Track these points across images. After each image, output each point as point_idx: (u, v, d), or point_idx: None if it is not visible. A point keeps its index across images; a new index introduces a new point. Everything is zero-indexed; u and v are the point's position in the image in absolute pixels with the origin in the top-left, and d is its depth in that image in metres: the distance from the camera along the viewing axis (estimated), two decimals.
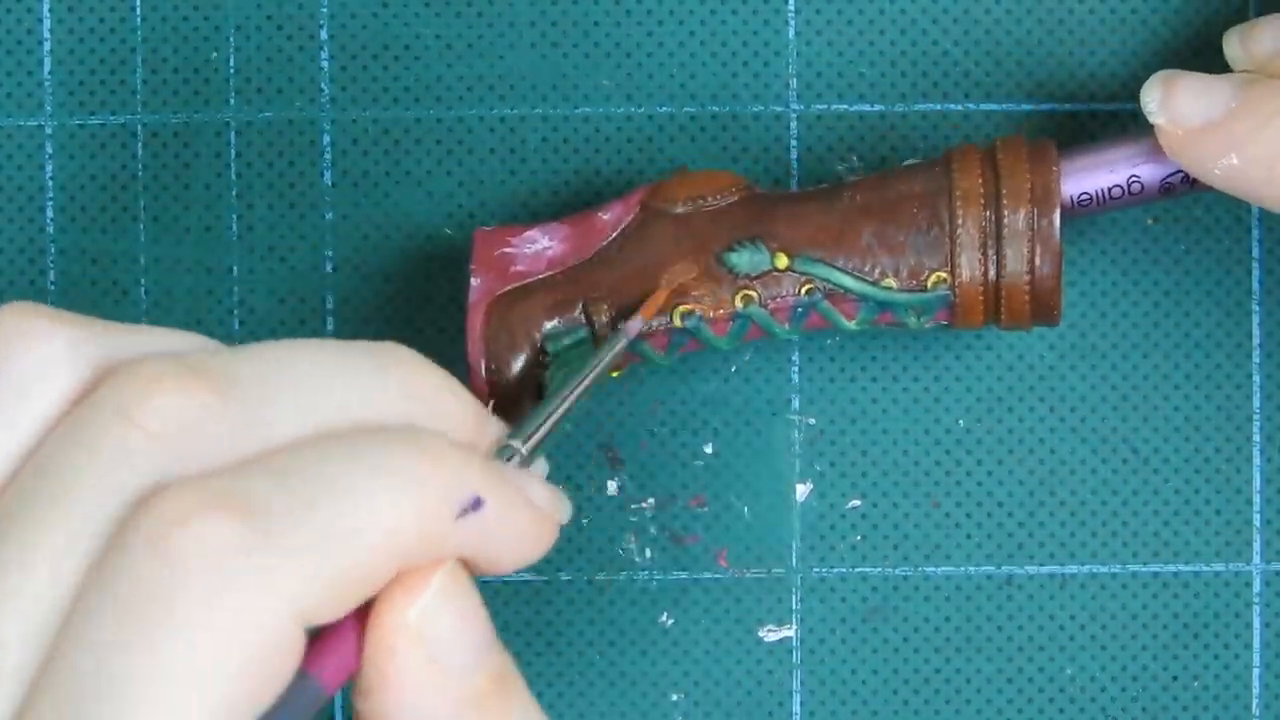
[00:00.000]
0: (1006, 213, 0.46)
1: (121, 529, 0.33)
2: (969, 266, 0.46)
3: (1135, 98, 0.50)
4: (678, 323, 0.47)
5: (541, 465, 0.41)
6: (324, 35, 0.51)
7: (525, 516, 0.37)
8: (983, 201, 0.46)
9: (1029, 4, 0.51)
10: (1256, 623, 0.51)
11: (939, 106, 0.51)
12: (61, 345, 0.36)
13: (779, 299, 0.47)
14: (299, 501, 0.34)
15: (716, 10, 0.51)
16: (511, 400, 0.47)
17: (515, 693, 0.36)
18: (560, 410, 0.42)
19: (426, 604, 0.35)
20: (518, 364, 0.46)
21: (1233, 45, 0.47)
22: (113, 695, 0.32)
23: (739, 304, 0.47)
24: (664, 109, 0.51)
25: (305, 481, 0.34)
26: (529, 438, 0.40)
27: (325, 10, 0.51)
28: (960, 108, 0.51)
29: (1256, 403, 0.51)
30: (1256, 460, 0.51)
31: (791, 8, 0.51)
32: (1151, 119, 0.45)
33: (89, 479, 0.34)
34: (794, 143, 0.51)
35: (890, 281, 0.46)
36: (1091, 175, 0.47)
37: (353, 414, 0.36)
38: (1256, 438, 0.51)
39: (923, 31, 0.51)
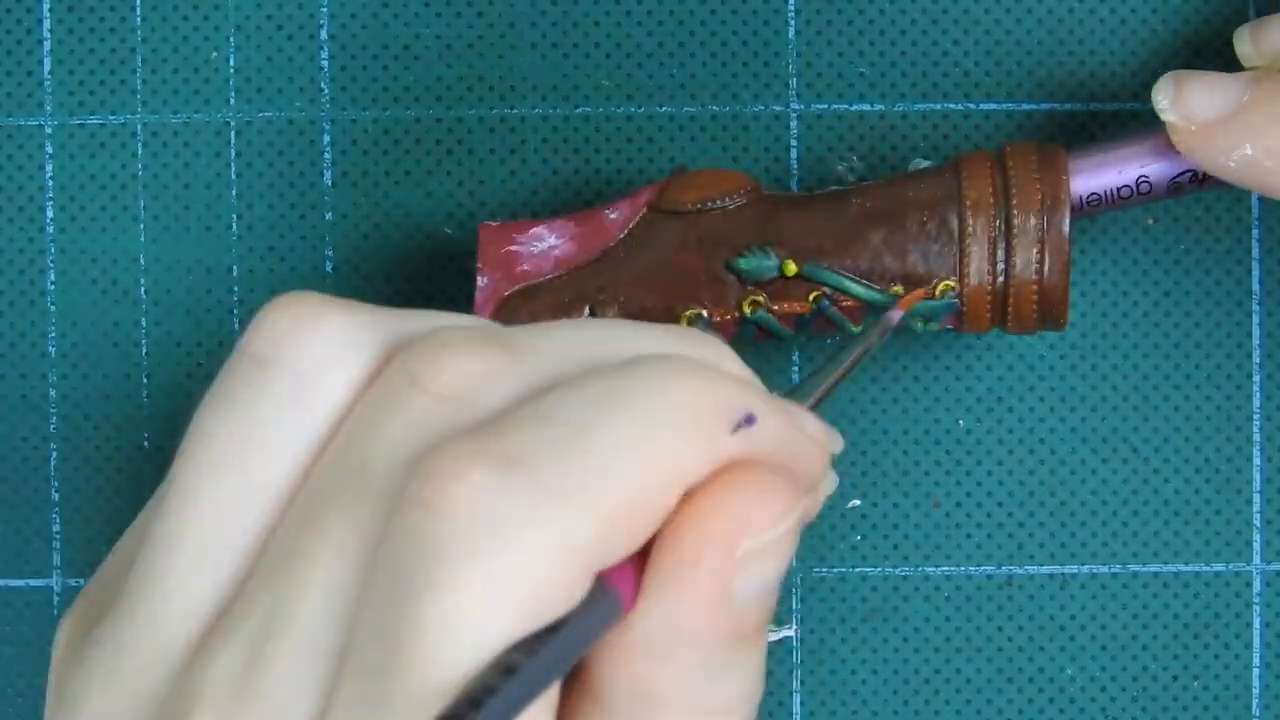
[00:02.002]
0: (1016, 219, 0.46)
1: (399, 492, 0.33)
2: (977, 274, 0.46)
3: (1136, 97, 0.50)
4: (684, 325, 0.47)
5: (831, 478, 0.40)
6: (324, 35, 0.51)
7: (799, 438, 0.36)
8: (992, 208, 0.46)
9: (1029, 4, 0.51)
10: (1256, 623, 0.51)
11: (939, 106, 0.51)
12: (351, 330, 0.35)
13: (787, 305, 0.47)
14: (563, 441, 0.33)
15: (716, 10, 0.51)
16: None
17: (764, 639, 0.36)
18: (835, 384, 0.41)
19: (763, 545, 0.34)
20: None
21: (1244, 42, 0.47)
22: (396, 653, 0.32)
23: (747, 310, 0.47)
24: (664, 109, 0.51)
25: (569, 419, 0.33)
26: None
27: (325, 10, 0.51)
28: (960, 108, 0.51)
29: (1256, 403, 0.51)
30: (1256, 460, 0.51)
31: (791, 8, 0.51)
32: (1164, 116, 0.45)
33: (382, 450, 0.34)
34: (794, 143, 0.51)
35: (898, 289, 0.46)
36: (1100, 175, 0.47)
37: (627, 353, 0.35)
38: (1256, 438, 0.51)
39: (923, 31, 0.51)
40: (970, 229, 0.46)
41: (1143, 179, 0.47)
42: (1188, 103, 0.45)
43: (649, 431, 0.34)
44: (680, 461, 0.34)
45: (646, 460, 0.33)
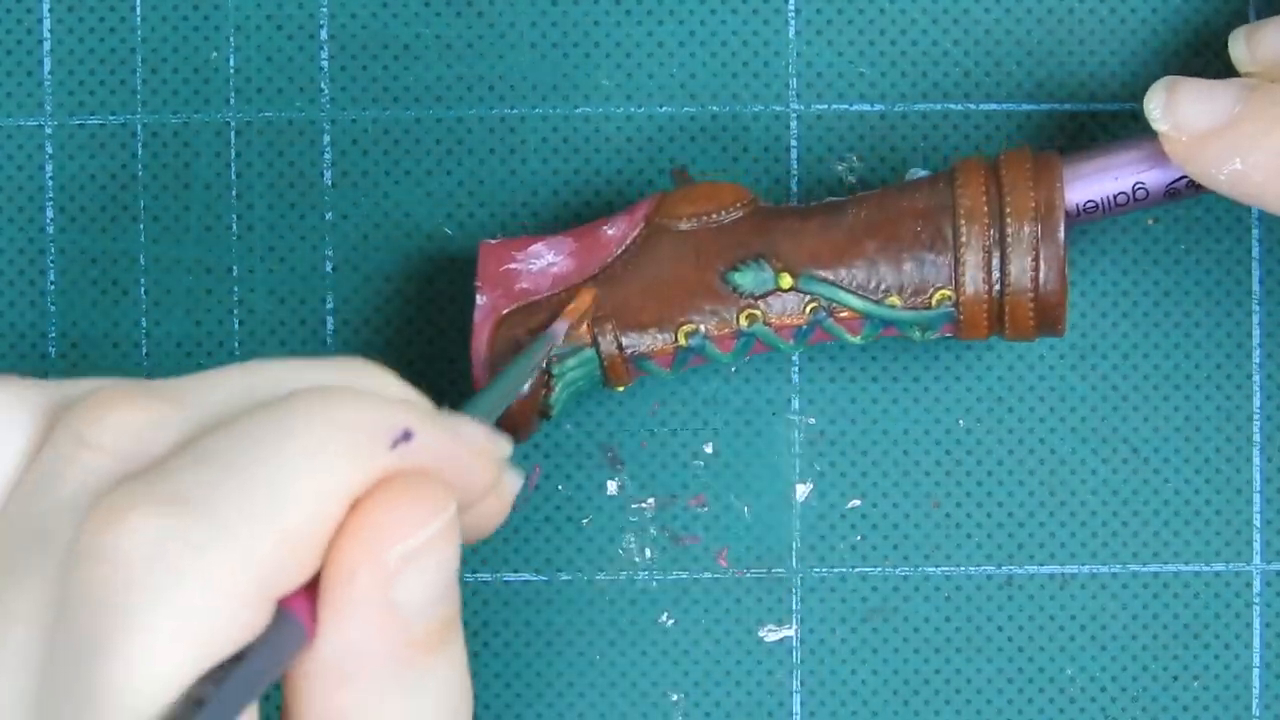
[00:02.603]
0: (1010, 228, 0.46)
1: (71, 544, 0.34)
2: (973, 283, 0.46)
3: (1135, 98, 0.50)
4: (682, 341, 0.47)
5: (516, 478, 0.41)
6: (324, 35, 0.51)
7: (459, 449, 0.37)
8: (987, 218, 0.46)
9: (1029, 4, 0.51)
10: (1256, 623, 0.51)
11: (939, 106, 0.51)
12: (6, 404, 0.36)
13: (783, 317, 0.47)
14: (225, 476, 0.34)
15: (716, 10, 0.51)
16: (517, 423, 0.47)
17: (454, 640, 0.36)
18: (501, 405, 0.42)
19: (414, 548, 0.35)
20: (524, 386, 0.46)
21: (1238, 46, 0.47)
22: (88, 707, 0.32)
23: (743, 323, 0.47)
24: (664, 109, 0.51)
25: (229, 455, 0.34)
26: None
27: (325, 10, 0.51)
28: (960, 108, 0.51)
29: (1256, 403, 0.51)
30: (1256, 460, 0.51)
31: (791, 8, 0.51)
32: (1155, 125, 0.45)
33: (55, 510, 0.34)
34: (794, 143, 0.51)
35: (894, 300, 0.46)
36: (1097, 183, 0.47)
37: (286, 387, 0.36)
38: (1256, 438, 0.51)
39: (923, 31, 0.51)
40: (965, 239, 0.46)
41: (1139, 185, 0.47)
42: (1179, 112, 0.45)
43: (306, 456, 0.34)
44: (339, 480, 0.34)
45: (306, 483, 0.34)
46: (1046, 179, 0.46)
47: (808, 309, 0.47)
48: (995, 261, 0.46)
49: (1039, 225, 0.46)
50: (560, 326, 0.46)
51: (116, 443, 0.35)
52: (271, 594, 0.34)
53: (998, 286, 0.46)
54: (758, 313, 0.47)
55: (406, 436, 0.36)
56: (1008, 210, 0.46)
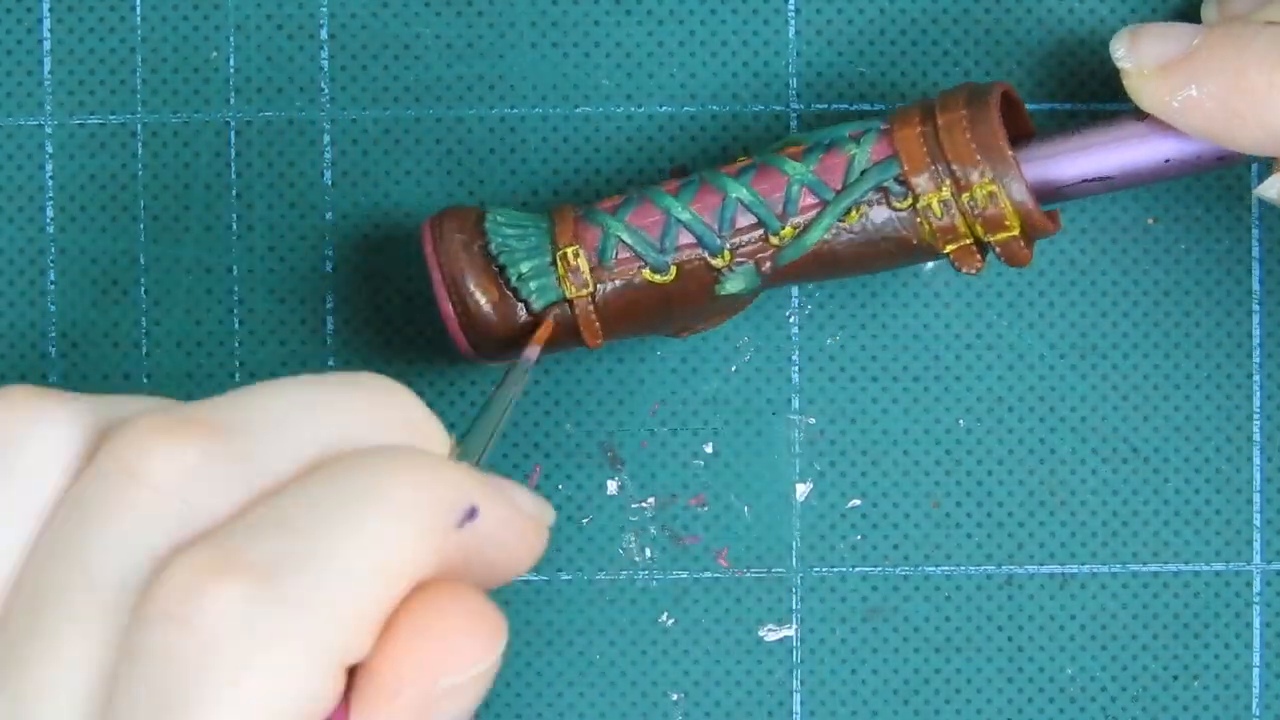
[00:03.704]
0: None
1: (142, 602, 0.34)
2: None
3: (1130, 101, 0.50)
4: (629, 190, 0.47)
5: None
6: (324, 35, 0.51)
7: (518, 523, 0.37)
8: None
9: (1029, 4, 0.51)
10: (1256, 623, 0.51)
11: None
12: (57, 420, 0.36)
13: (729, 164, 0.47)
14: (305, 548, 0.34)
15: (716, 10, 0.51)
16: (488, 329, 0.47)
17: None
18: (494, 435, 0.42)
19: (462, 683, 0.35)
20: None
21: (1210, 10, 0.48)
22: None
23: (689, 172, 0.48)
24: (664, 109, 0.51)
25: (307, 525, 0.34)
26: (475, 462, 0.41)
27: (325, 10, 0.51)
28: None
29: (1256, 403, 0.51)
30: (1256, 460, 0.51)
31: (791, 8, 0.51)
32: (1119, 64, 0.46)
33: (107, 551, 0.34)
34: None
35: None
36: (1082, 159, 0.47)
37: (339, 439, 0.36)
38: (1256, 438, 0.51)
39: (923, 31, 0.51)
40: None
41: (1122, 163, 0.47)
42: (1141, 50, 0.46)
43: (381, 534, 0.35)
44: (411, 561, 0.35)
45: (380, 564, 0.34)
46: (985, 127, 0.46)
47: (753, 156, 0.47)
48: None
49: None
50: (532, 351, 0.46)
51: (167, 480, 0.35)
52: (340, 670, 0.34)
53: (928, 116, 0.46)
54: (706, 169, 0.48)
55: (472, 514, 0.36)
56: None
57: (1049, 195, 0.47)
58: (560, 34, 0.51)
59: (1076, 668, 0.51)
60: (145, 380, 0.51)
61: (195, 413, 0.36)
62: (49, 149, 0.51)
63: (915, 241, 0.46)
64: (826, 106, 0.51)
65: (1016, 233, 0.46)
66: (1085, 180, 0.47)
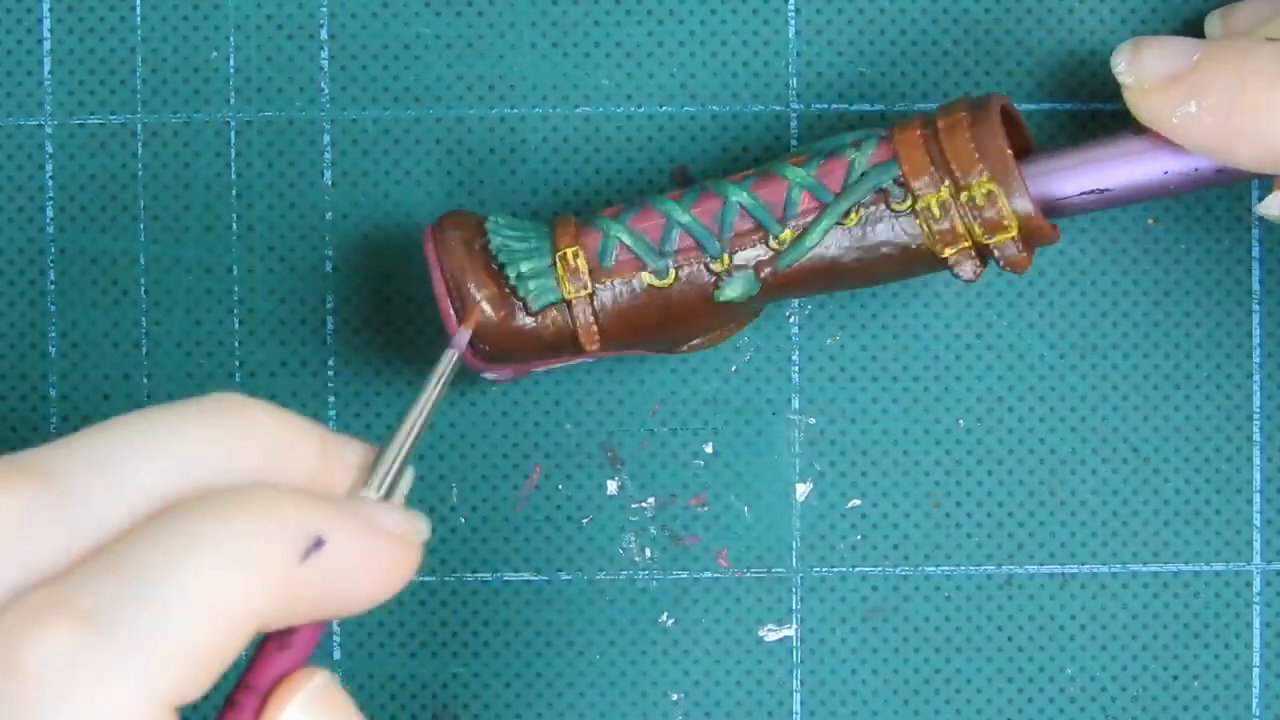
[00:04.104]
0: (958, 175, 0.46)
1: None
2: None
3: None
4: (631, 198, 0.47)
5: (408, 477, 0.41)
6: (324, 35, 0.51)
7: (375, 545, 0.37)
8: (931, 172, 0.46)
9: (1029, 4, 0.51)
10: (1256, 623, 0.51)
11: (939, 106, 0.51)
12: None
13: (733, 174, 0.47)
14: (133, 591, 0.34)
15: (716, 10, 0.51)
16: (508, 345, 0.47)
17: None
18: (409, 440, 0.41)
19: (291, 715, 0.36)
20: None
21: (1213, 25, 0.48)
22: None
23: (693, 180, 0.47)
24: (664, 109, 0.51)
25: (137, 569, 0.35)
26: (384, 478, 0.40)
27: (325, 10, 0.51)
28: None
29: (1256, 403, 0.51)
30: (1256, 460, 0.51)
31: (791, 8, 0.51)
32: (1120, 78, 0.46)
33: None
34: (794, 143, 0.51)
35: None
36: (1077, 177, 0.47)
37: (183, 479, 0.36)
38: (1256, 438, 0.51)
39: (923, 31, 0.51)
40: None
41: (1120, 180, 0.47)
42: (1142, 64, 0.46)
43: (209, 577, 0.35)
44: (243, 603, 0.35)
45: (215, 604, 0.35)
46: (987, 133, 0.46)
47: (756, 168, 0.47)
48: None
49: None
50: (462, 337, 0.45)
51: None
52: (170, 711, 0.34)
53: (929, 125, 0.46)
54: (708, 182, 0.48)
55: (318, 545, 0.36)
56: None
57: (1048, 209, 0.47)
58: (560, 34, 0.51)
59: (1076, 668, 0.51)
60: (145, 380, 0.51)
61: (24, 460, 0.36)
62: (49, 149, 0.51)
63: (914, 247, 0.46)
64: (826, 106, 0.51)
65: (1015, 233, 0.46)
66: (1084, 194, 0.47)
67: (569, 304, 0.47)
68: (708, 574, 0.51)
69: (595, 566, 0.51)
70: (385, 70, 0.51)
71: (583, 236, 0.47)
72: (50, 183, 0.51)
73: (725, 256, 0.47)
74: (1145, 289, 0.51)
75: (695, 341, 0.48)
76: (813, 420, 0.51)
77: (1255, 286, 0.51)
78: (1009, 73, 0.51)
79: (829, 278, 0.47)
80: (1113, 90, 0.51)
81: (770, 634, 0.51)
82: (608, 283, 0.47)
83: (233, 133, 0.51)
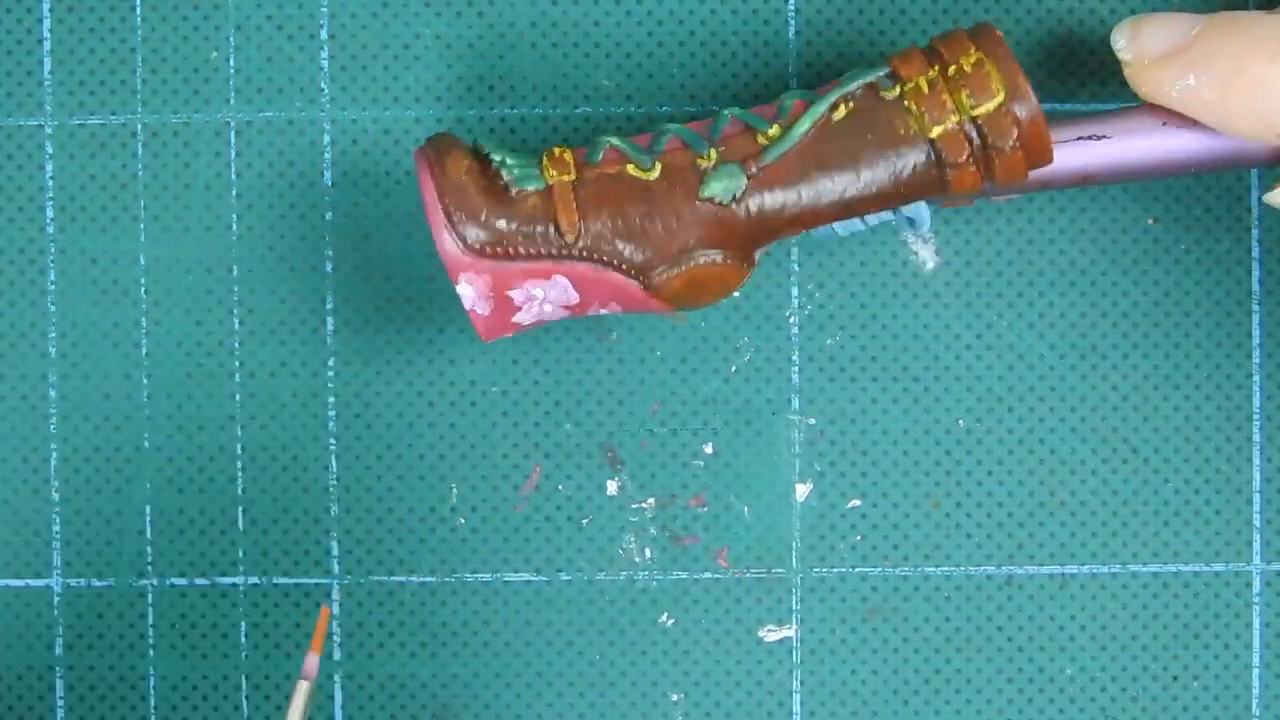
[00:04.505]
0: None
1: None
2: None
3: (1136, 98, 0.50)
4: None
5: None
6: (324, 35, 0.51)
7: None
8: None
9: (1029, 4, 0.51)
10: (1256, 623, 0.51)
11: None
12: None
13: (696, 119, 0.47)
14: None
15: (716, 10, 0.51)
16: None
17: None
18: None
19: None
20: (456, 148, 0.45)
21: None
22: None
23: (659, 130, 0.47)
24: (664, 109, 0.51)
25: None
26: None
27: (325, 10, 0.51)
28: None
29: (1256, 403, 0.51)
30: (1256, 460, 0.51)
31: (791, 8, 0.51)
32: (1120, 55, 0.46)
33: None
34: None
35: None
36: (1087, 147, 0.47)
37: None
38: (1256, 438, 0.51)
39: (923, 32, 0.51)
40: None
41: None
42: (1143, 40, 0.46)
43: None
44: None
45: None
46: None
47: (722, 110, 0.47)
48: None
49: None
50: (312, 661, 0.46)
51: None
52: None
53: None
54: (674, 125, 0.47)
55: None
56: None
57: (1044, 155, 0.46)
58: (560, 34, 0.51)
59: (1076, 668, 0.51)
60: (145, 380, 0.51)
61: None
62: (49, 149, 0.51)
63: (903, 132, 0.45)
64: None
65: (1002, 99, 0.45)
66: (1080, 139, 0.47)
67: (550, 189, 0.46)
68: (707, 574, 0.51)
69: (595, 567, 0.51)
70: (385, 70, 0.51)
71: (574, 149, 0.47)
72: (50, 183, 0.51)
73: (712, 151, 0.46)
74: (1145, 289, 0.51)
75: (688, 299, 0.47)
76: (813, 420, 0.51)
77: (1255, 286, 0.51)
78: None
79: (816, 172, 0.46)
80: (1112, 90, 0.51)
81: (770, 634, 0.51)
82: (592, 174, 0.46)
83: (233, 133, 0.51)
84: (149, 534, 0.51)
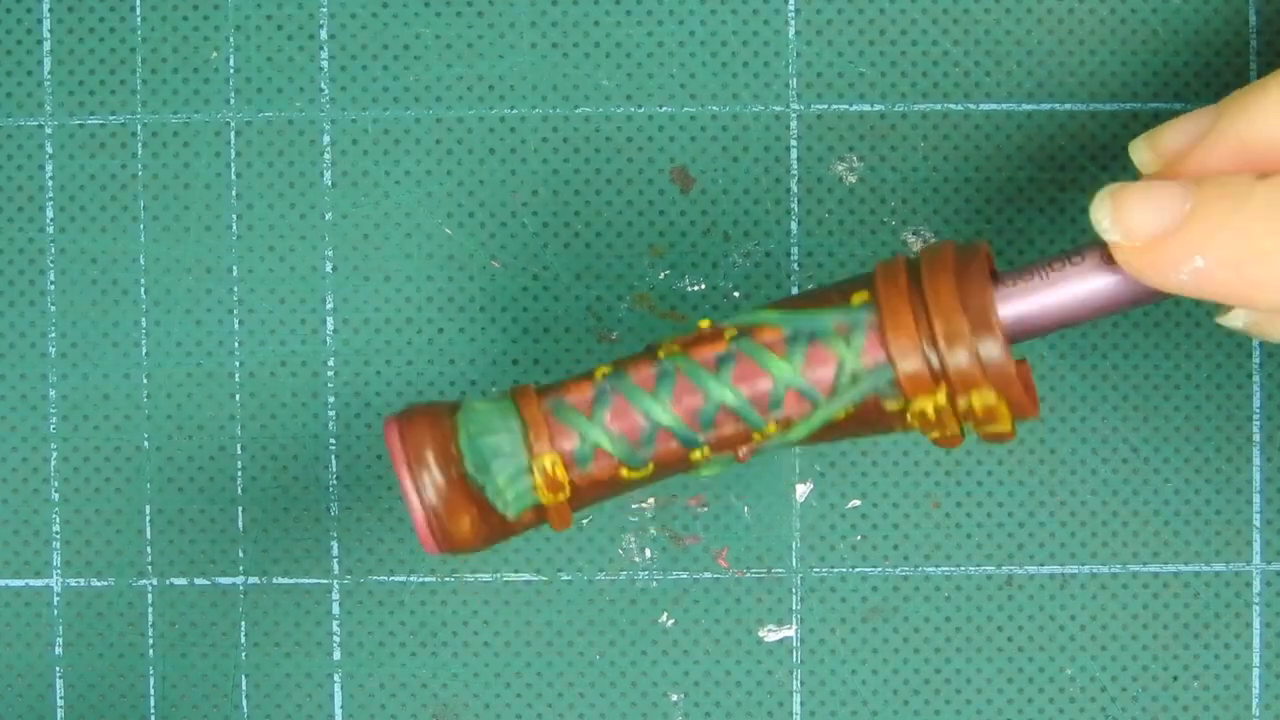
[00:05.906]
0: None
1: None
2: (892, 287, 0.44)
3: (1136, 98, 0.50)
4: (598, 378, 0.44)
5: None
6: (324, 35, 0.51)
7: None
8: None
9: (1029, 4, 0.51)
10: (1256, 623, 0.51)
11: (939, 106, 0.51)
12: None
13: (701, 346, 0.44)
14: None
15: (716, 10, 0.51)
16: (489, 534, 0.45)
17: None
18: None
19: None
20: (451, 495, 0.44)
21: (1141, 152, 0.44)
22: None
23: (661, 355, 0.44)
24: (664, 109, 0.51)
25: None
26: None
27: (325, 10, 0.51)
28: (960, 108, 0.51)
29: (1256, 403, 0.51)
30: (1256, 460, 0.51)
31: (791, 8, 0.51)
32: (1106, 237, 0.42)
33: None
34: (794, 143, 0.51)
35: (809, 306, 0.44)
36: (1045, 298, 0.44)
37: None
38: (1256, 438, 0.51)
39: (923, 31, 0.51)
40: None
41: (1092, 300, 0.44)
42: (1129, 219, 0.42)
43: None
44: None
45: None
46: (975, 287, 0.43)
47: (727, 335, 0.45)
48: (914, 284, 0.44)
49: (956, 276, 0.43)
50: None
51: None
52: None
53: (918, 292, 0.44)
54: (676, 346, 0.45)
55: None
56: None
57: (1020, 335, 0.44)
58: (560, 34, 0.51)
59: (1076, 668, 0.51)
60: (145, 380, 0.51)
61: None
62: (49, 149, 0.51)
63: (901, 429, 0.44)
64: (826, 106, 0.51)
65: (1008, 429, 0.43)
66: (1061, 322, 0.44)
67: (545, 507, 0.44)
68: (707, 574, 0.51)
69: (595, 566, 0.51)
70: (385, 70, 0.51)
71: (556, 435, 0.45)
72: (50, 183, 0.51)
73: (705, 447, 0.45)
74: None
75: None
76: None
77: None
78: (1009, 73, 0.51)
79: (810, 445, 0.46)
80: (1112, 90, 0.51)
81: (770, 634, 0.51)
82: (584, 481, 0.44)
83: (233, 133, 0.51)
84: (149, 534, 0.51)
